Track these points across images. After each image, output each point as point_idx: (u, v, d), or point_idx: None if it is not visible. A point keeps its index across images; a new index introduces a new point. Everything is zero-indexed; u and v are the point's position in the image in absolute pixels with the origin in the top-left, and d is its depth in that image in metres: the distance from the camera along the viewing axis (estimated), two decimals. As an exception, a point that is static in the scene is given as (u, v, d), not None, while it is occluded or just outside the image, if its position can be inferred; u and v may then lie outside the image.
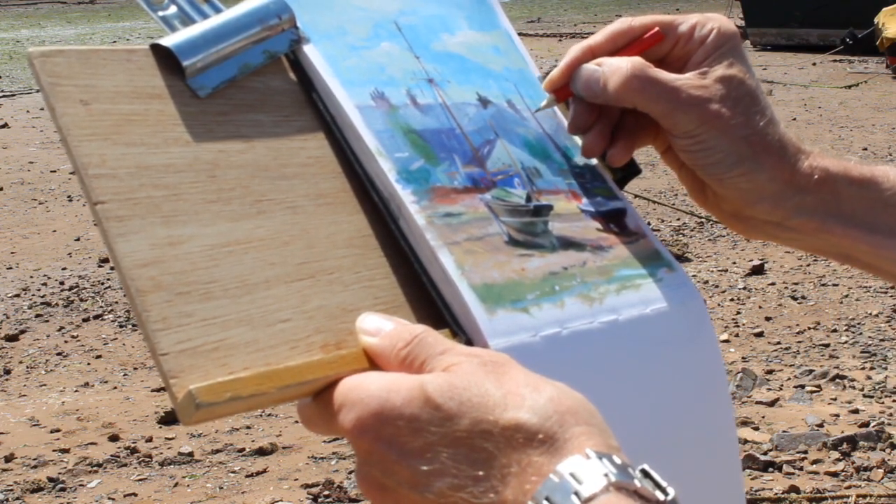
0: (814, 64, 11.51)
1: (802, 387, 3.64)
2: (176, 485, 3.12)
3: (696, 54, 0.84)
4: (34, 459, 3.27)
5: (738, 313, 4.39)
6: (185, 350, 0.61)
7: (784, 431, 3.28)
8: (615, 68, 0.82)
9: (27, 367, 4.01)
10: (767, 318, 4.32)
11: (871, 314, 4.30)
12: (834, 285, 4.67)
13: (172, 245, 0.63)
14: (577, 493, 0.55)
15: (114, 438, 3.39)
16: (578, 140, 0.89)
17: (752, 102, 0.82)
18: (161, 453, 3.30)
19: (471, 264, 0.72)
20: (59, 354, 4.12)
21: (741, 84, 0.82)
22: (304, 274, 0.68)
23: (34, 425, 3.51)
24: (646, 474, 0.58)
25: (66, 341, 4.25)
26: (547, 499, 0.56)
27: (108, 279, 4.98)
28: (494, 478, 0.58)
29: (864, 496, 2.92)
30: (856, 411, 3.44)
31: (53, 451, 3.33)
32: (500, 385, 0.60)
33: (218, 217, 0.66)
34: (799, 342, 4.06)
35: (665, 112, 0.81)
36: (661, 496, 0.57)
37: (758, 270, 4.87)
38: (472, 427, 0.59)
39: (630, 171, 0.90)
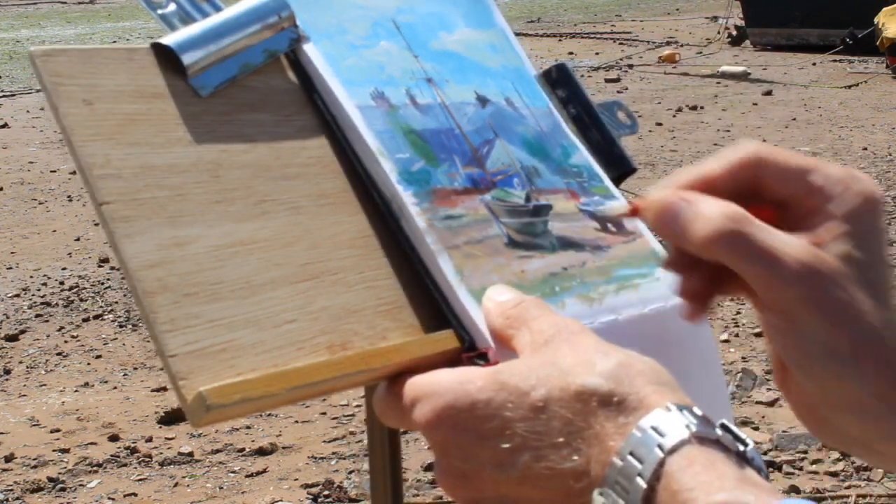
0: (814, 64, 11.51)
1: (802, 387, 3.63)
2: (176, 485, 3.12)
3: (829, 219, 0.65)
4: (34, 459, 3.27)
5: (738, 313, 4.38)
6: (193, 351, 0.61)
7: (784, 431, 3.28)
8: (704, 214, 0.65)
9: (27, 367, 4.01)
10: (767, 318, 4.31)
11: (870, 314, 4.30)
12: (834, 285, 4.67)
13: (178, 246, 0.63)
14: (660, 446, 0.56)
15: (114, 438, 3.39)
16: (575, 138, 0.88)
17: (878, 292, 0.65)
18: (161, 453, 3.30)
19: (470, 268, 0.72)
20: (59, 354, 4.12)
21: (867, 269, 0.65)
22: (308, 275, 0.68)
23: (34, 425, 3.51)
24: (725, 428, 0.58)
25: (66, 341, 4.25)
26: (631, 453, 0.57)
27: (108, 279, 4.98)
28: (575, 441, 0.59)
29: (864, 496, 2.92)
30: (856, 411, 3.44)
31: (53, 451, 3.33)
32: (572, 353, 0.62)
33: (222, 217, 0.66)
34: (799, 342, 4.06)
35: (761, 277, 0.64)
36: (740, 447, 0.58)
37: (758, 270, 4.86)
38: (546, 397, 0.60)
39: (626, 169, 0.90)
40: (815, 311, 0.64)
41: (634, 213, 0.70)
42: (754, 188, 0.68)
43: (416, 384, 0.64)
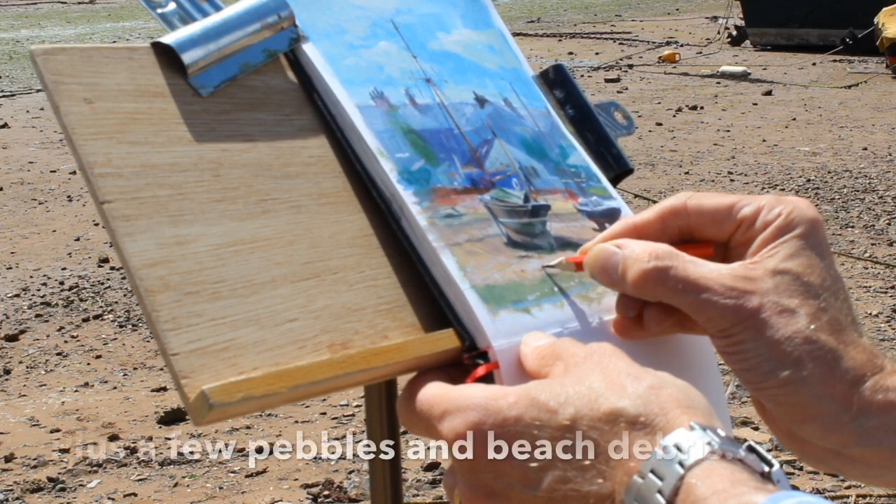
0: (814, 64, 11.51)
1: (802, 387, 3.63)
2: (176, 485, 3.13)
3: (755, 242, 0.72)
4: (34, 459, 3.27)
5: (738, 313, 4.38)
6: (196, 350, 0.61)
7: (784, 431, 3.28)
8: (632, 256, 0.71)
9: (27, 367, 4.01)
10: (767, 318, 4.31)
11: (871, 314, 4.31)
12: (833, 285, 4.66)
13: (180, 244, 0.64)
14: (681, 463, 0.57)
15: (114, 438, 3.39)
16: (572, 139, 0.89)
17: (806, 300, 0.69)
18: (161, 453, 3.30)
19: (472, 265, 0.72)
20: (59, 354, 4.12)
21: (796, 279, 0.70)
22: (309, 273, 0.68)
23: (34, 425, 3.51)
24: (751, 449, 0.59)
25: (66, 341, 4.25)
26: (652, 471, 0.57)
27: (108, 279, 4.98)
28: (601, 464, 0.59)
29: (864, 496, 2.93)
30: (855, 411, 3.44)
31: (53, 451, 3.33)
32: (603, 376, 0.62)
33: (224, 216, 0.67)
34: (799, 342, 4.06)
35: (693, 306, 0.69)
36: (765, 468, 0.58)
37: (757, 270, 4.87)
38: (574, 418, 0.60)
39: (624, 170, 0.90)
40: (749, 328, 0.68)
41: (580, 267, 0.75)
42: (687, 233, 0.74)
43: (446, 398, 0.64)
